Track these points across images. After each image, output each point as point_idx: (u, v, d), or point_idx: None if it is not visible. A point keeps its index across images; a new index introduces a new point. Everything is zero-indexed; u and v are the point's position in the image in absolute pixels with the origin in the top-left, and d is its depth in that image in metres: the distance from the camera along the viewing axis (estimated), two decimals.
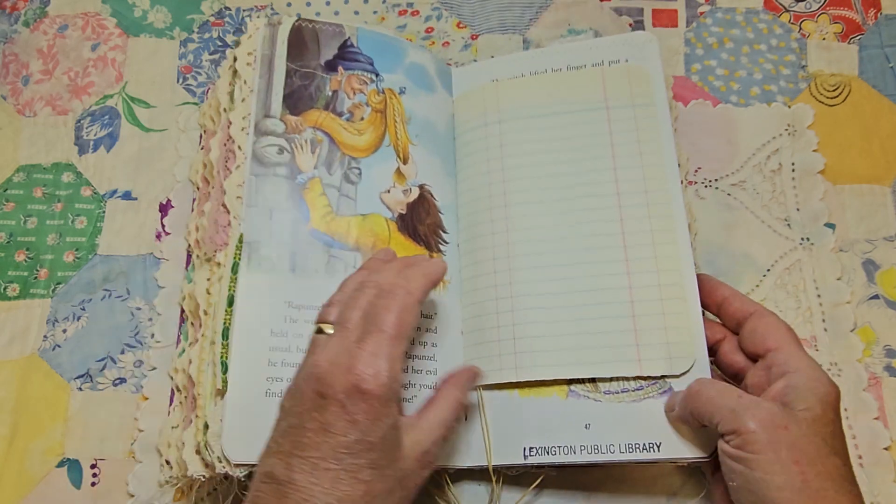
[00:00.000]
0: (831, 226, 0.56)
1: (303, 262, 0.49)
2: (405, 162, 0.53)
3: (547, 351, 0.48)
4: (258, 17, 0.60)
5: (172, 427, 0.49)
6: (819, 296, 0.54)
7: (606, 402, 0.48)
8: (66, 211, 0.57)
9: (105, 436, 0.51)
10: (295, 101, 0.52)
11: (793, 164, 0.58)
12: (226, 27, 0.63)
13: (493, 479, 0.48)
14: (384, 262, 0.45)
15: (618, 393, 0.48)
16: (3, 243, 0.56)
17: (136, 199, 0.57)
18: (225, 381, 0.45)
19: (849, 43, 0.62)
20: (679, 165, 0.55)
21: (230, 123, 0.52)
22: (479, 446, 0.48)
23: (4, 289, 0.55)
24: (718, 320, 0.48)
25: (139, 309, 0.54)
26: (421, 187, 0.53)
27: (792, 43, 0.62)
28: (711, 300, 0.48)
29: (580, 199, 0.51)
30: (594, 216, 0.50)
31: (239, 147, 0.51)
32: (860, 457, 0.50)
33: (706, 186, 0.57)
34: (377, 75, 0.55)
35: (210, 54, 0.62)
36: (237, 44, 0.55)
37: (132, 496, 0.49)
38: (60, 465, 0.50)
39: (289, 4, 0.63)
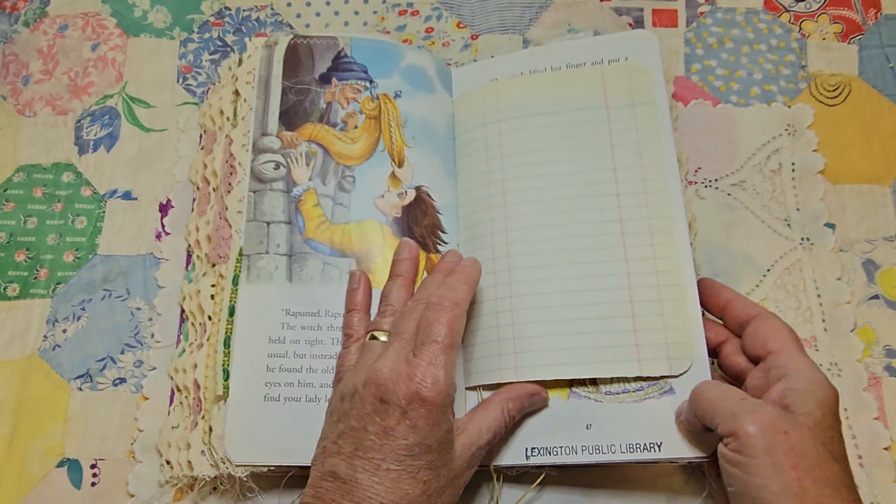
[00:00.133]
0: (831, 226, 0.56)
1: (299, 270, 0.50)
2: (400, 165, 0.53)
3: (547, 351, 0.48)
4: (258, 38, 0.60)
5: (172, 427, 0.49)
6: (819, 296, 0.54)
7: (607, 402, 0.48)
8: (66, 211, 0.57)
9: (105, 436, 0.51)
10: (290, 117, 0.54)
11: (793, 164, 0.58)
12: (226, 27, 0.63)
13: (494, 478, 0.48)
14: (409, 260, 0.48)
15: (619, 393, 0.48)
16: (3, 243, 0.56)
17: (136, 199, 0.57)
18: (226, 387, 0.47)
19: (849, 43, 0.62)
20: (679, 164, 0.56)
21: (231, 141, 0.54)
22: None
23: (4, 289, 0.55)
24: (722, 322, 0.48)
25: (139, 309, 0.54)
26: (417, 189, 0.53)
27: (792, 43, 0.62)
28: (715, 303, 0.47)
29: (580, 199, 0.51)
30: (594, 216, 0.50)
31: (239, 163, 0.53)
32: (860, 457, 0.50)
33: (706, 186, 0.57)
34: (371, 82, 0.55)
35: (210, 54, 0.62)
36: (240, 62, 0.56)
37: (132, 496, 0.49)
38: (60, 465, 0.51)
39: (289, 4, 0.63)
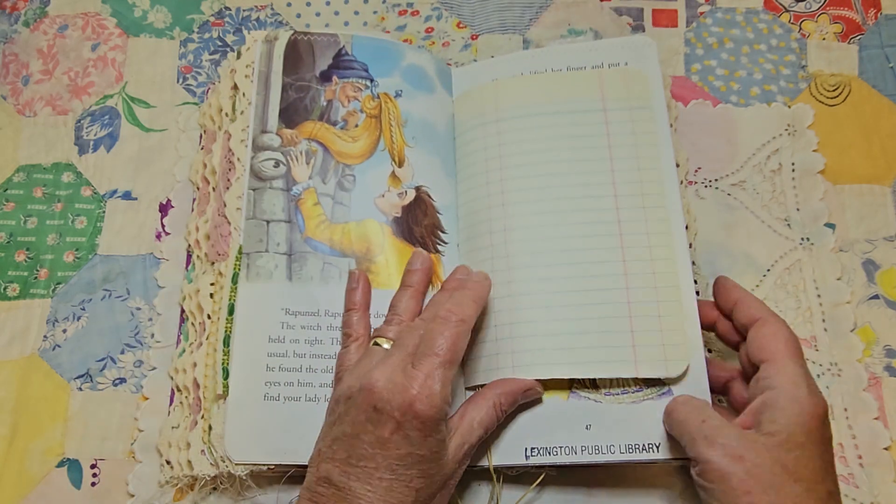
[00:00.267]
0: (831, 226, 0.56)
1: (299, 270, 0.50)
2: (400, 165, 0.53)
3: (543, 350, 0.48)
4: (257, 31, 0.60)
5: (173, 427, 0.49)
6: (819, 296, 0.54)
7: (607, 403, 0.48)
8: (66, 211, 0.57)
9: (105, 436, 0.51)
10: (290, 115, 0.54)
11: (793, 164, 0.58)
12: (226, 27, 0.63)
13: (494, 478, 0.48)
14: (421, 271, 0.48)
15: (618, 394, 0.48)
16: (3, 243, 0.56)
17: (136, 199, 0.57)
18: (226, 387, 0.47)
19: (849, 43, 0.62)
20: (679, 165, 0.56)
21: (230, 136, 0.53)
22: (483, 446, 0.48)
23: (4, 289, 0.55)
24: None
25: (139, 309, 0.54)
26: (417, 189, 0.53)
27: (792, 43, 0.62)
28: (724, 303, 0.47)
29: (578, 199, 0.51)
30: (592, 216, 0.50)
31: (238, 159, 0.53)
32: (860, 457, 0.50)
33: (706, 186, 0.57)
34: (372, 81, 0.55)
35: (210, 54, 0.62)
36: (238, 55, 0.56)
37: (132, 496, 0.49)
38: (60, 465, 0.51)
39: (289, 4, 0.63)
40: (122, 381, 0.52)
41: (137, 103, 0.60)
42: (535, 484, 0.48)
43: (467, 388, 0.49)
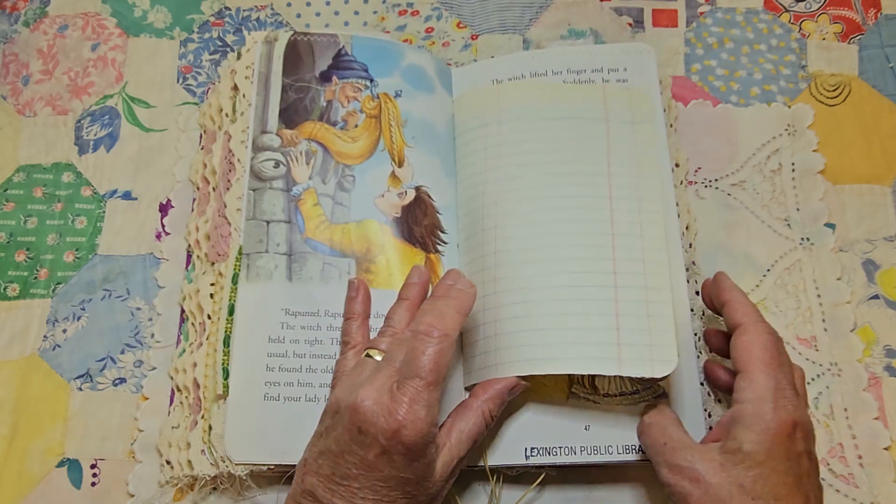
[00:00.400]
0: (831, 226, 0.56)
1: (298, 270, 0.50)
2: (400, 165, 0.53)
3: (528, 346, 0.47)
4: (257, 31, 0.60)
5: (173, 427, 0.49)
6: (819, 296, 0.54)
7: (605, 404, 0.48)
8: (66, 211, 0.57)
9: (105, 436, 0.51)
10: (290, 115, 0.54)
11: (793, 164, 0.58)
12: (226, 27, 0.63)
13: (493, 479, 0.48)
14: (418, 285, 0.48)
15: (616, 396, 0.48)
16: (3, 243, 0.56)
17: (136, 199, 0.57)
18: (226, 387, 0.48)
19: (849, 43, 0.62)
20: (679, 165, 0.56)
21: (230, 137, 0.53)
22: (480, 446, 0.48)
23: (4, 289, 0.55)
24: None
25: (139, 309, 0.54)
26: (417, 189, 0.53)
27: (792, 43, 0.62)
28: (715, 301, 0.47)
29: (571, 199, 0.50)
30: (583, 216, 0.50)
31: (238, 160, 0.53)
32: (860, 457, 0.50)
33: (706, 186, 0.57)
34: (371, 81, 0.55)
35: (210, 54, 0.62)
36: (238, 56, 0.56)
37: (132, 496, 0.49)
38: (60, 465, 0.51)
39: (289, 4, 0.63)
40: (122, 381, 0.52)
41: (137, 103, 0.60)
42: (535, 484, 0.48)
43: (466, 388, 0.49)
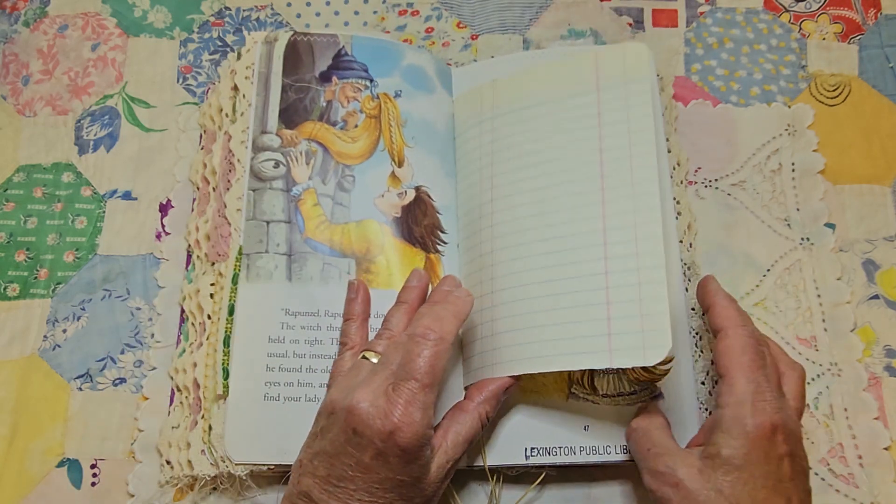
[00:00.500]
0: (831, 226, 0.56)
1: (298, 270, 0.50)
2: (400, 165, 0.53)
3: (522, 345, 0.46)
4: (256, 31, 0.60)
5: (173, 427, 0.49)
6: (819, 296, 0.54)
7: (604, 405, 0.48)
8: (66, 211, 0.57)
9: (105, 436, 0.51)
10: (290, 115, 0.54)
11: (793, 164, 0.58)
12: (226, 27, 0.63)
13: (493, 479, 0.48)
14: (417, 289, 0.48)
15: (614, 396, 0.48)
16: (3, 243, 0.56)
17: (136, 199, 0.57)
18: (226, 387, 0.48)
19: (849, 43, 0.62)
20: (679, 165, 0.56)
21: (230, 137, 0.54)
22: (478, 446, 0.48)
23: (4, 289, 0.55)
24: None
25: (139, 309, 0.54)
26: (417, 189, 0.53)
27: (792, 43, 0.62)
28: (702, 304, 0.47)
29: (562, 186, 0.49)
30: (575, 201, 0.48)
31: (238, 160, 0.53)
32: (860, 457, 0.50)
33: (706, 186, 0.57)
34: (371, 81, 0.55)
35: (210, 54, 0.62)
36: (238, 56, 0.56)
37: (132, 496, 0.49)
38: (60, 465, 0.51)
39: (289, 4, 0.63)
40: (122, 381, 0.52)
41: (137, 103, 0.60)
42: (535, 484, 0.48)
43: (466, 388, 0.49)
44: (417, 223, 0.52)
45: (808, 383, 0.51)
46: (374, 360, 0.44)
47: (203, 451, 0.47)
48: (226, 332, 0.49)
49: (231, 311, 0.49)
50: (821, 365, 0.52)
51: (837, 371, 0.52)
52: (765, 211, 0.56)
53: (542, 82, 0.53)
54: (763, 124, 0.59)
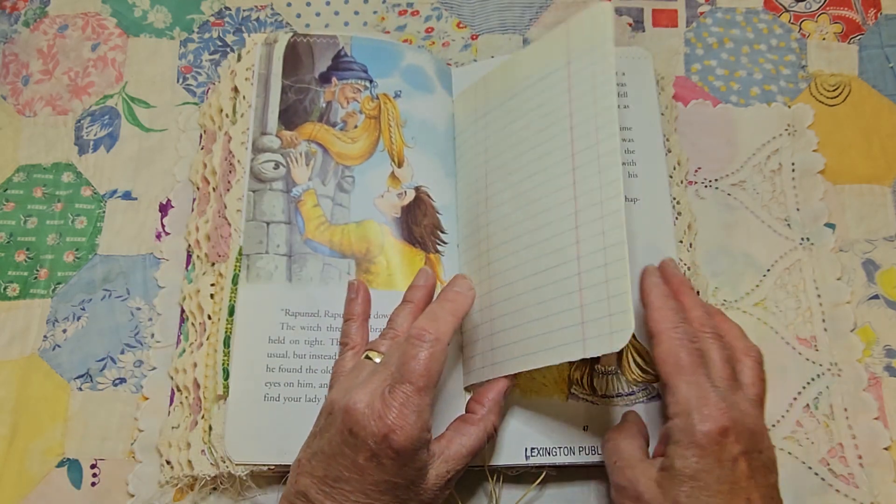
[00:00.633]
0: (831, 226, 0.56)
1: (298, 271, 0.50)
2: (400, 165, 0.53)
3: (512, 344, 0.46)
4: (256, 32, 0.61)
5: (173, 427, 0.49)
6: (819, 296, 0.54)
7: (602, 405, 0.48)
8: (66, 211, 0.57)
9: (105, 436, 0.51)
10: (290, 116, 0.54)
11: (793, 164, 0.58)
12: (226, 27, 0.63)
13: (492, 479, 0.48)
14: (424, 288, 0.48)
15: (612, 397, 0.48)
16: (3, 243, 0.56)
17: (136, 199, 0.57)
18: (226, 387, 0.48)
19: (849, 43, 0.62)
20: (679, 165, 0.56)
21: (230, 138, 0.54)
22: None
23: (4, 289, 0.55)
24: None
25: (139, 309, 0.54)
26: (417, 189, 0.53)
27: (792, 43, 0.62)
28: (642, 303, 0.46)
29: (540, 173, 0.47)
30: (550, 186, 0.46)
31: (238, 161, 0.53)
32: (860, 457, 0.50)
33: (706, 186, 0.57)
34: (371, 81, 0.55)
35: (210, 54, 0.62)
36: (238, 58, 0.56)
37: (132, 496, 0.49)
38: (60, 465, 0.51)
39: (289, 4, 0.63)
40: (122, 381, 0.53)
41: (137, 103, 0.60)
42: (535, 484, 0.48)
43: (466, 389, 0.49)
44: (417, 223, 0.52)
45: (808, 383, 0.52)
46: (377, 360, 0.44)
47: (203, 451, 0.47)
48: (226, 332, 0.49)
49: (231, 312, 0.49)
50: (821, 365, 0.52)
51: (837, 371, 0.52)
52: (765, 211, 0.56)
53: (522, 67, 0.51)
54: (763, 124, 0.59)
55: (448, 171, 0.55)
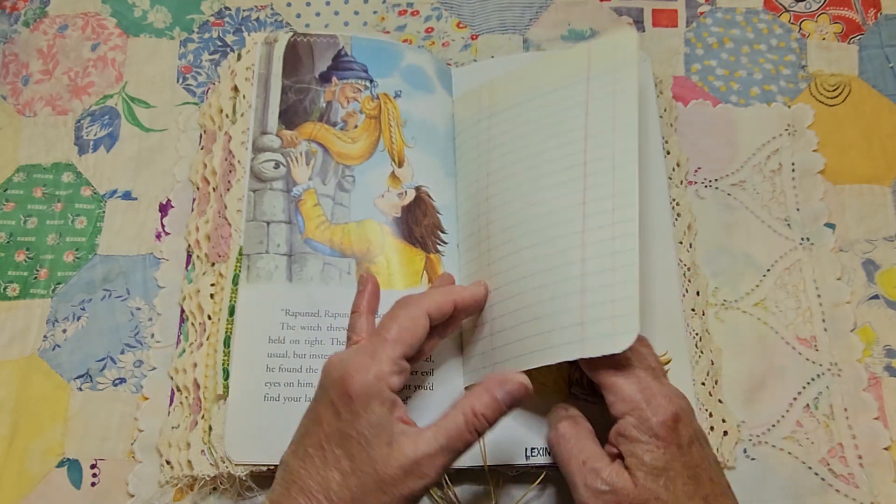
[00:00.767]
0: (831, 226, 0.56)
1: (299, 270, 0.50)
2: (400, 165, 0.53)
3: (512, 343, 0.46)
4: (256, 32, 0.61)
5: (172, 427, 0.49)
6: (819, 296, 0.54)
7: (602, 404, 0.48)
8: (66, 211, 0.57)
9: (105, 436, 0.51)
10: (290, 116, 0.54)
11: (793, 164, 0.58)
12: (226, 27, 0.63)
13: (492, 479, 0.48)
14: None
15: None
16: (3, 243, 0.56)
17: (136, 199, 0.57)
18: (226, 387, 0.48)
19: (849, 43, 0.62)
20: (679, 165, 0.56)
21: (230, 138, 0.54)
22: (478, 446, 0.48)
23: (4, 289, 0.55)
24: None
25: (139, 309, 0.54)
26: (417, 189, 0.53)
27: (792, 43, 0.62)
28: None
29: (547, 177, 0.48)
30: (557, 190, 0.47)
31: (238, 161, 0.53)
32: (860, 457, 0.50)
33: (706, 186, 0.57)
34: (371, 81, 0.55)
35: (210, 54, 0.62)
36: (238, 57, 0.56)
37: (132, 496, 0.49)
38: (60, 465, 0.51)
39: (289, 4, 0.63)
40: (122, 381, 0.52)
41: (137, 103, 0.60)
42: (535, 484, 0.48)
43: (466, 389, 0.49)
44: (418, 223, 0.52)
45: (808, 383, 0.52)
46: None
47: (203, 451, 0.47)
48: (226, 332, 0.49)
49: (231, 312, 0.49)
50: (821, 365, 0.52)
51: (837, 371, 0.52)
52: (765, 211, 0.56)
53: (536, 78, 0.52)
54: (763, 124, 0.59)
55: (448, 171, 0.55)
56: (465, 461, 0.47)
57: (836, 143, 0.58)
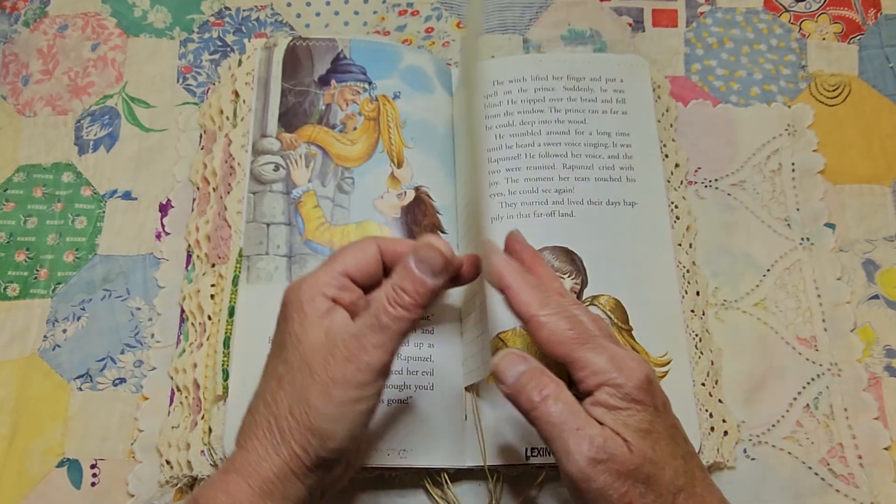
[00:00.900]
0: (831, 226, 0.56)
1: (299, 271, 0.50)
2: (399, 166, 0.53)
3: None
4: (256, 36, 0.61)
5: (172, 427, 0.49)
6: (819, 296, 0.54)
7: None
8: (66, 211, 0.57)
9: (105, 436, 0.51)
10: (290, 119, 0.54)
11: (793, 164, 0.58)
12: (226, 27, 0.63)
13: (492, 479, 0.48)
14: None
15: None
16: (3, 243, 0.56)
17: (136, 199, 0.57)
18: (226, 388, 0.48)
19: (849, 43, 0.62)
20: (679, 165, 0.56)
21: (230, 141, 0.54)
22: (478, 446, 0.48)
23: (4, 289, 0.55)
24: None
25: (139, 309, 0.54)
26: (417, 189, 0.53)
27: (792, 43, 0.62)
28: (495, 287, 0.41)
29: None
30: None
31: (238, 164, 0.53)
32: (860, 457, 0.50)
33: (706, 186, 0.57)
34: (370, 83, 0.55)
35: (210, 54, 0.62)
36: (239, 63, 0.57)
37: (132, 496, 0.49)
38: (60, 465, 0.51)
39: (289, 4, 0.63)
40: (122, 381, 0.53)
41: (137, 103, 0.60)
42: (535, 484, 0.48)
43: (466, 389, 0.49)
44: (417, 223, 0.52)
45: (808, 383, 0.52)
46: None
47: (203, 451, 0.47)
48: (226, 333, 0.49)
49: (231, 313, 0.49)
50: (821, 365, 0.52)
51: (837, 371, 0.52)
52: (765, 211, 0.56)
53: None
54: (763, 124, 0.59)
55: (448, 171, 0.55)
56: (465, 461, 0.47)
57: (836, 143, 0.58)
